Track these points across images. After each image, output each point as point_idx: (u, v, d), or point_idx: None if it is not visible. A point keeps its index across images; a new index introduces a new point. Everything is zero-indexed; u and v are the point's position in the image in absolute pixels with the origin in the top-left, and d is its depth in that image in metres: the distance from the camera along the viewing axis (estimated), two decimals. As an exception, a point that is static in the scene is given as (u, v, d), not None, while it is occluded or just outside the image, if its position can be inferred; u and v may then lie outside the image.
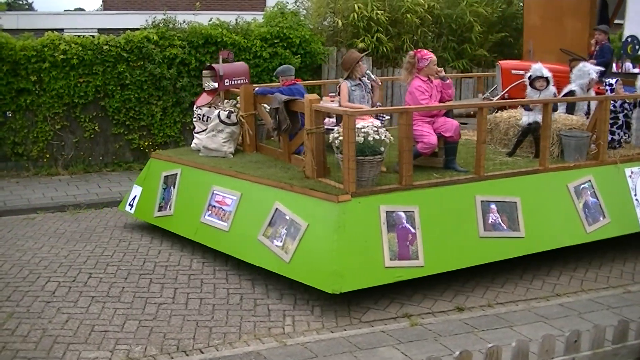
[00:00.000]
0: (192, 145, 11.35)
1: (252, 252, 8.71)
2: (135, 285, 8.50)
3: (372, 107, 10.20)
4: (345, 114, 8.14)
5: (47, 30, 15.13)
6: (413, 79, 9.39)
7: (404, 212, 8.25)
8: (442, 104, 9.59)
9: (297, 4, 17.22)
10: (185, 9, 22.28)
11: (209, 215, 9.50)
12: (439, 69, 9.44)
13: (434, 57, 9.36)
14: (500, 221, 8.78)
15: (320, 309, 7.91)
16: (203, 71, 11.82)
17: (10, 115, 14.43)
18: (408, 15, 17.40)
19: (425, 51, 9.43)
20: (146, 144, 15.40)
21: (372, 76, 10.68)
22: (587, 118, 10.45)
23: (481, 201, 8.77)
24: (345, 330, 7.41)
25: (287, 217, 8.40)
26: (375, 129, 8.31)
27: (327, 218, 8.04)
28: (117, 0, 28.37)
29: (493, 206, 8.81)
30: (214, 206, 9.50)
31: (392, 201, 8.27)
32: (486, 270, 9.20)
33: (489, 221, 8.71)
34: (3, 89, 14.24)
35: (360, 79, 9.98)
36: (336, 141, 8.38)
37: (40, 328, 7.25)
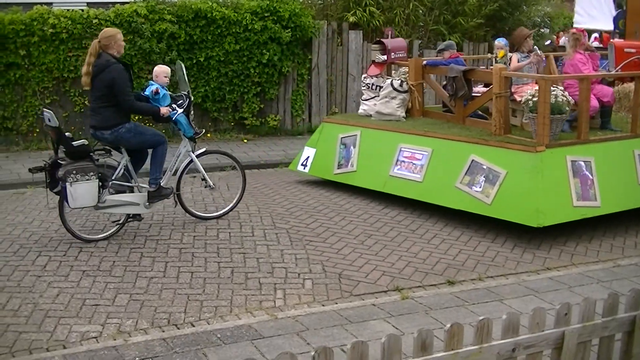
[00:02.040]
0: (359, 111, 12.98)
1: (449, 198, 10.21)
2: (126, 259, 8.49)
3: None
4: (542, 79, 9.89)
5: (35, 4, 15.01)
6: (575, 54, 11.05)
7: (583, 161, 9.91)
8: (603, 73, 12.13)
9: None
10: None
11: (398, 169, 10.99)
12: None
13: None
14: None
15: (311, 282, 7.94)
16: (372, 45, 13.58)
17: (-1, 89, 14.38)
18: (400, -12, 17.38)
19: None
20: (136, 118, 15.34)
21: (539, 51, 11.79)
22: None
23: (638, 155, 10.45)
24: (337, 303, 7.46)
25: (485, 167, 9.93)
26: (561, 92, 10.00)
27: (526, 165, 9.62)
28: (105, -27, 28.17)
29: None
30: (403, 161, 11.01)
31: (575, 152, 9.92)
32: (477, 244, 9.26)
33: None
34: (-8, 63, 14.19)
35: (527, 53, 11.59)
36: (530, 102, 9.99)
37: (31, 302, 7.26)
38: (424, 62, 12.60)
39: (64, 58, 14.60)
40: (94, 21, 14.67)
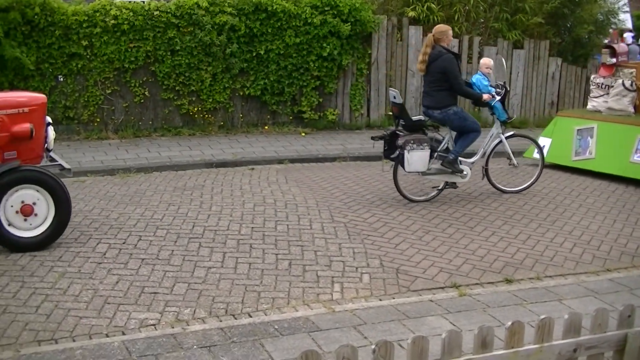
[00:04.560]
0: (588, 107, 14.59)
1: None
2: (184, 248, 8.55)
3: None
4: None
5: (97, -5, 15.22)
6: None
7: None
8: None
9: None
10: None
11: (637, 157, 12.62)
12: None
13: None
14: None
15: (368, 276, 7.92)
16: (602, 49, 14.73)
17: (62, 79, 14.54)
18: (460, -16, 17.27)
19: None
20: (195, 109, 15.46)
21: None
22: None
23: None
24: (394, 298, 7.42)
25: None
26: None
27: None
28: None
29: None
30: None
31: None
32: (536, 243, 9.16)
33: None
34: (55, 54, 14.35)
35: None
36: None
37: (91, 288, 7.33)
38: None
39: (125, 49, 14.75)
40: (155, 13, 14.80)
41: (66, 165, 9.11)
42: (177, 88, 15.26)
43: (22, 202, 8.26)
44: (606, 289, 7.78)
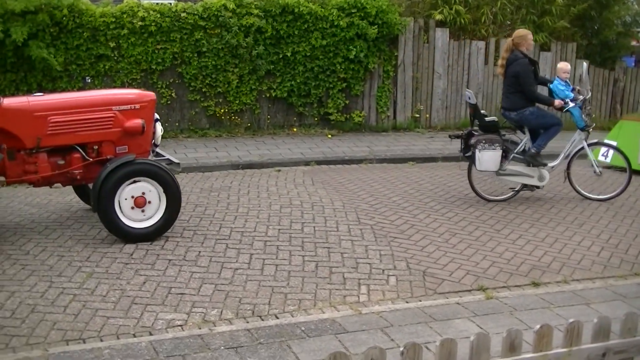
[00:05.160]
0: None
1: None
2: (211, 249, 8.57)
3: None
4: None
5: (125, -4, 15.32)
6: None
7: None
8: None
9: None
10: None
11: None
12: None
13: None
14: None
15: (395, 278, 7.90)
16: None
17: (89, 80, 14.64)
18: (487, -13, 17.23)
19: None
20: (222, 111, 15.51)
21: None
22: None
23: None
24: (420, 301, 7.39)
25: None
26: None
27: None
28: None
29: None
30: None
31: None
32: (563, 246, 9.11)
33: None
34: (83, 55, 14.46)
35: None
36: None
37: (118, 289, 7.36)
38: None
39: (152, 50, 14.84)
40: (182, 15, 14.87)
41: (175, 160, 9.64)
42: (203, 90, 15.32)
43: (136, 194, 8.68)
44: (635, 293, 7.71)
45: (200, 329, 6.57)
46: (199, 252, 8.48)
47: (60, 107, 8.82)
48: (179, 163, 9.68)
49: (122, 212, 8.64)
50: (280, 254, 8.48)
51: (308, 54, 15.76)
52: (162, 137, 13.97)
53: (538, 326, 4.18)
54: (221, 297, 7.26)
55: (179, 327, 6.63)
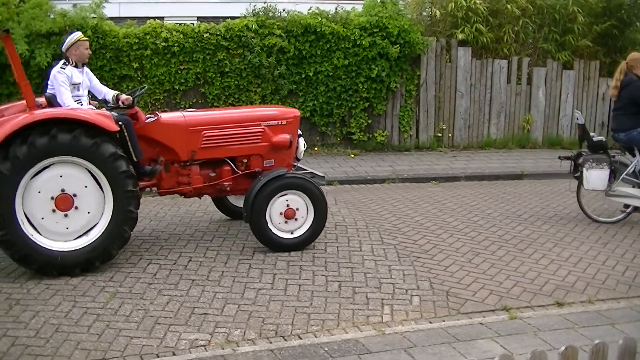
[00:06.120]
0: None
1: None
2: (234, 270, 8.57)
3: None
4: None
5: (148, 18, 15.39)
6: None
7: None
8: None
9: (397, -7, 17.15)
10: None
11: None
12: None
13: None
14: None
15: (418, 298, 7.86)
16: None
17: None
18: (509, 6, 17.20)
19: None
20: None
21: None
22: None
23: None
24: (444, 321, 7.35)
25: None
26: None
27: None
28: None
29: None
30: None
31: None
32: (587, 266, 9.05)
33: None
34: (106, 75, 14.54)
35: None
36: None
37: (142, 309, 7.37)
38: None
39: (175, 71, 14.93)
40: (205, 35, 14.95)
41: (319, 174, 10.03)
42: (226, 110, 15.38)
43: (287, 206, 9.17)
44: (661, 313, 7.67)
45: (223, 349, 6.56)
46: (222, 272, 8.48)
47: (214, 122, 9.40)
48: (323, 176, 10.14)
49: (272, 222, 9.14)
50: (303, 274, 8.47)
51: (330, 73, 15.79)
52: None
53: (563, 347, 4.14)
54: (244, 317, 7.25)
55: (202, 347, 6.62)
